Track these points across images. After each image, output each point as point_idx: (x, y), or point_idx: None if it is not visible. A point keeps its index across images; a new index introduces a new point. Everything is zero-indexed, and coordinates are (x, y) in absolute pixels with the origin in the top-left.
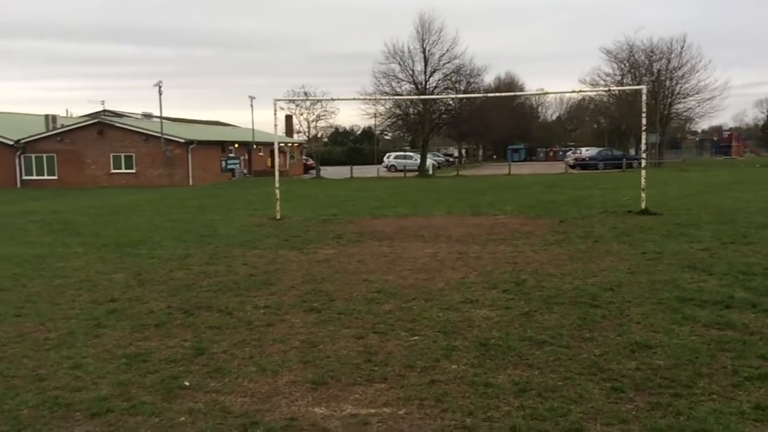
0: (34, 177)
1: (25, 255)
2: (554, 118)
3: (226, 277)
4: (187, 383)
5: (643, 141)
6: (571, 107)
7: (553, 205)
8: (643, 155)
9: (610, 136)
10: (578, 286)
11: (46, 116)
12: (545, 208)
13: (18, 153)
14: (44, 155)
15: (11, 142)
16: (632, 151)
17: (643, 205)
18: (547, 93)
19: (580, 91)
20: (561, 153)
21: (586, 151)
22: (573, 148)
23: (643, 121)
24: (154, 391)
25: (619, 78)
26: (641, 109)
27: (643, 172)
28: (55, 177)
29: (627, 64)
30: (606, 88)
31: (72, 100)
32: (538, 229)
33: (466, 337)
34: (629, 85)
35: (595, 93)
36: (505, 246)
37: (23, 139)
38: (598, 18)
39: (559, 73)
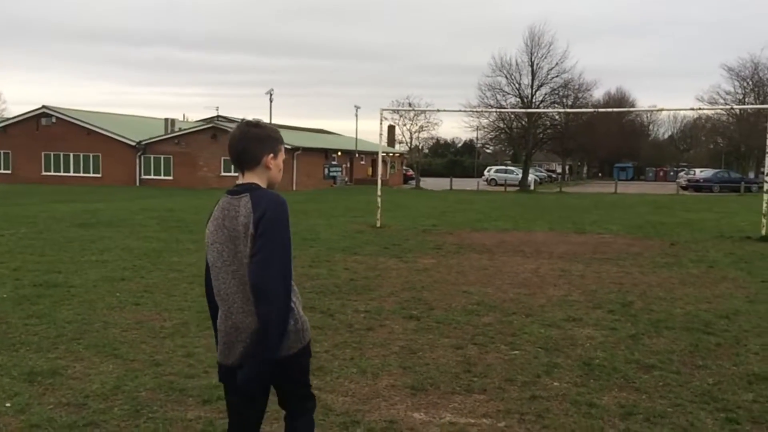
0: (152, 176)
1: (143, 248)
2: (666, 136)
3: (328, 281)
4: None
5: (766, 163)
6: (686, 126)
7: (663, 226)
8: (766, 178)
9: (728, 157)
10: (690, 311)
11: (166, 120)
12: (654, 229)
13: (138, 153)
14: (162, 156)
15: (133, 143)
16: (752, 175)
17: (763, 232)
18: (662, 110)
19: (699, 108)
20: (672, 173)
21: (701, 173)
22: (686, 169)
23: None
24: None
25: (740, 97)
26: (765, 129)
27: (766, 197)
28: (170, 177)
29: (750, 83)
30: (727, 107)
31: (189, 105)
32: (647, 251)
33: (568, 356)
34: (751, 104)
35: (713, 111)
36: (610, 266)
37: (144, 140)
38: (718, 34)
39: (674, 90)
